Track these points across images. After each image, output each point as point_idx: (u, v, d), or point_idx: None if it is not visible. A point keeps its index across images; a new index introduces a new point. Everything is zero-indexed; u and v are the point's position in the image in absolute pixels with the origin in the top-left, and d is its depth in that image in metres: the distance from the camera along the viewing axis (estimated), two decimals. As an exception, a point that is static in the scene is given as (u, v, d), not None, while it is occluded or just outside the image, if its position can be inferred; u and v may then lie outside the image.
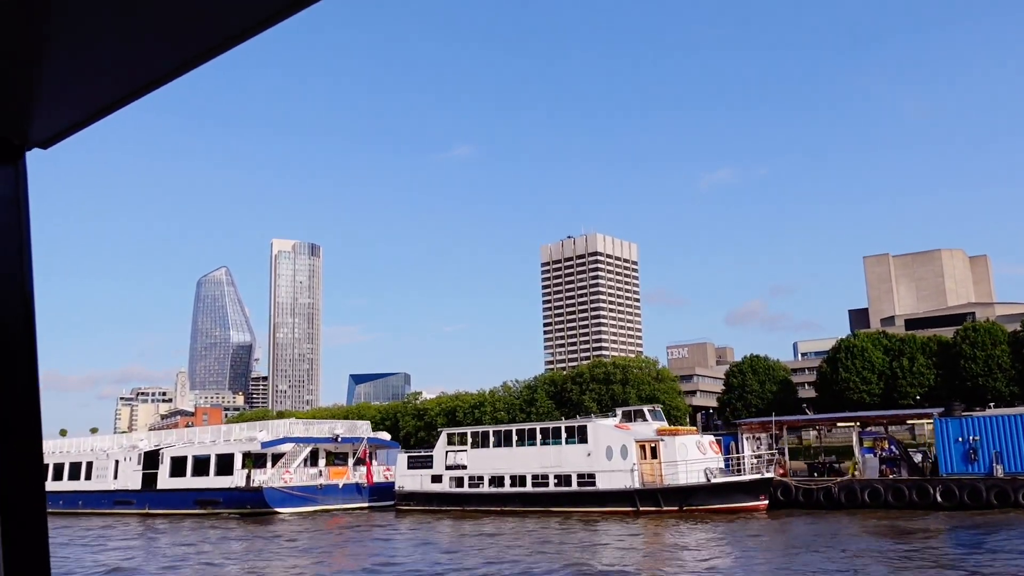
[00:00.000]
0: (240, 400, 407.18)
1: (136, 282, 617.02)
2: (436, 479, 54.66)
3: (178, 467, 60.73)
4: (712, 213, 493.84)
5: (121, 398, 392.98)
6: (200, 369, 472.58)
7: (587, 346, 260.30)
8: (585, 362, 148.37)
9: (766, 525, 39.02)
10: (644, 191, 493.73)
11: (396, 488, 56.58)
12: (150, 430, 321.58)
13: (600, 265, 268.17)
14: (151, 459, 62.88)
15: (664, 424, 51.47)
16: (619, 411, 53.50)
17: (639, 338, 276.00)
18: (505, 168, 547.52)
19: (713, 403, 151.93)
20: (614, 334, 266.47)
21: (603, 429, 49.52)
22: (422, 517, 49.85)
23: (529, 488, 50.62)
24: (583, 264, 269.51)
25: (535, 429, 52.77)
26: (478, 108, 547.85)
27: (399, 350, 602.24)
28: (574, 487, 48.98)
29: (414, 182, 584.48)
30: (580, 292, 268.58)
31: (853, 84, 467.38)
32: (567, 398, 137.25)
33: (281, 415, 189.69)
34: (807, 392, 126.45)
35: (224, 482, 57.56)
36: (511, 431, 53.39)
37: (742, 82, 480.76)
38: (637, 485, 46.82)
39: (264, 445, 57.82)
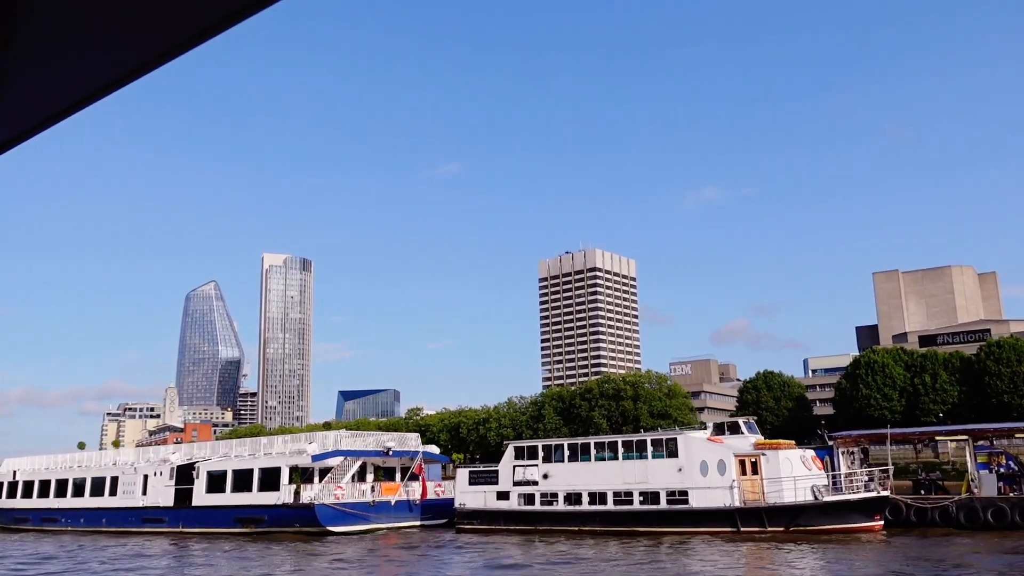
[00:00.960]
0: (229, 416, 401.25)
1: (120, 297, 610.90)
2: (502, 496, 51.24)
3: (216, 482, 56.65)
4: (697, 231, 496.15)
5: (108, 413, 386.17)
6: (188, 384, 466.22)
7: (585, 362, 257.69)
8: (594, 378, 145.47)
9: (886, 548, 35.87)
10: (630, 208, 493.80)
11: (456, 505, 53.04)
12: (137, 446, 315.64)
13: (599, 281, 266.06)
14: (184, 474, 58.70)
15: (759, 437, 48.35)
16: (710, 423, 50.63)
17: (637, 355, 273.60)
18: (495, 184, 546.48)
19: (721, 419, 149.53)
20: (613, 351, 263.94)
21: (696, 442, 46.41)
22: (487, 537, 46.36)
23: (611, 506, 47.26)
24: (581, 280, 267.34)
25: (616, 442, 49.48)
26: (467, 126, 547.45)
27: (386, 367, 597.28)
28: (663, 505, 45.69)
29: (405, 199, 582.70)
30: (579, 308, 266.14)
31: (863, 110, 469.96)
32: (576, 414, 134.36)
33: (284, 430, 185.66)
34: (822, 409, 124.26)
35: (269, 498, 53.38)
36: (589, 444, 50.08)
37: (730, 95, 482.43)
38: (737, 503, 43.52)
39: (315, 458, 53.64)
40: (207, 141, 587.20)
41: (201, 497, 57.08)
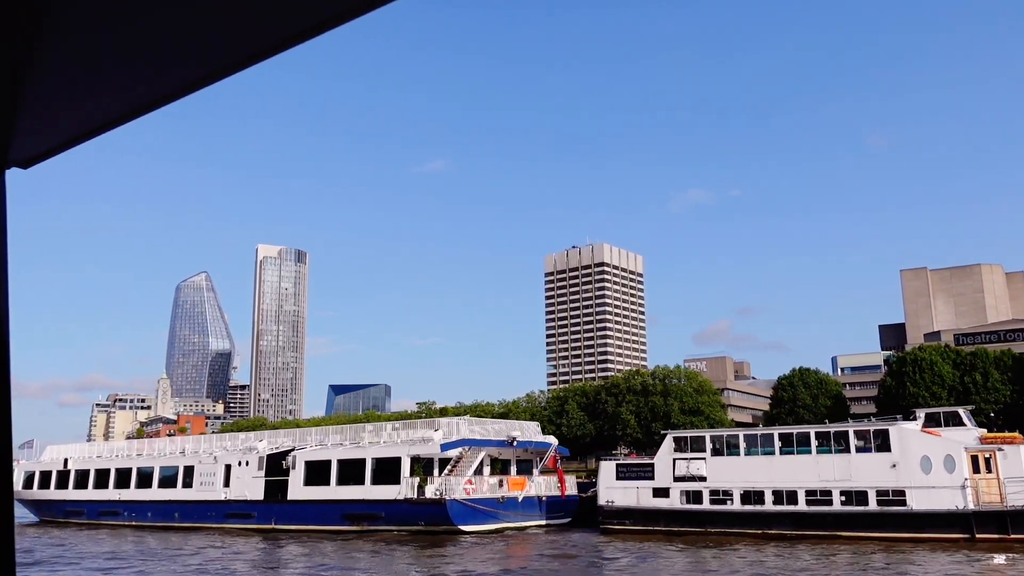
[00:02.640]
0: (220, 408, 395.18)
1: (103, 289, 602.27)
2: (660, 493, 45.74)
3: (317, 473, 50.47)
4: (684, 232, 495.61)
5: (97, 404, 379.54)
6: (177, 376, 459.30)
7: (592, 358, 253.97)
8: (619, 372, 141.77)
9: None
10: (629, 207, 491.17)
11: (602, 503, 47.26)
12: (127, 438, 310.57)
13: (606, 276, 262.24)
14: (275, 464, 52.53)
15: (981, 430, 43.33)
16: (920, 412, 45.91)
17: (644, 351, 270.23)
18: (490, 181, 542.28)
19: (746, 417, 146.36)
20: (619, 347, 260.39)
21: (913, 435, 41.31)
22: (647, 541, 41.00)
23: (803, 507, 41.79)
24: (588, 275, 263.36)
25: (809, 434, 43.68)
26: (459, 119, 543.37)
27: (376, 362, 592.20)
28: (872, 507, 40.37)
29: (402, 192, 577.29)
30: (586, 303, 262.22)
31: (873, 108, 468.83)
32: (601, 410, 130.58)
33: (295, 424, 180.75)
34: (860, 407, 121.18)
35: (387, 492, 47.42)
36: (772, 435, 44.43)
37: (720, 99, 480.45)
38: (971, 506, 38.40)
39: (444, 447, 47.95)
40: (201, 138, 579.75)
41: (299, 490, 50.91)
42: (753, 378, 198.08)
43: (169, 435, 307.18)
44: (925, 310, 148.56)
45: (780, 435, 44.31)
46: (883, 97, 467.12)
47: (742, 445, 44.73)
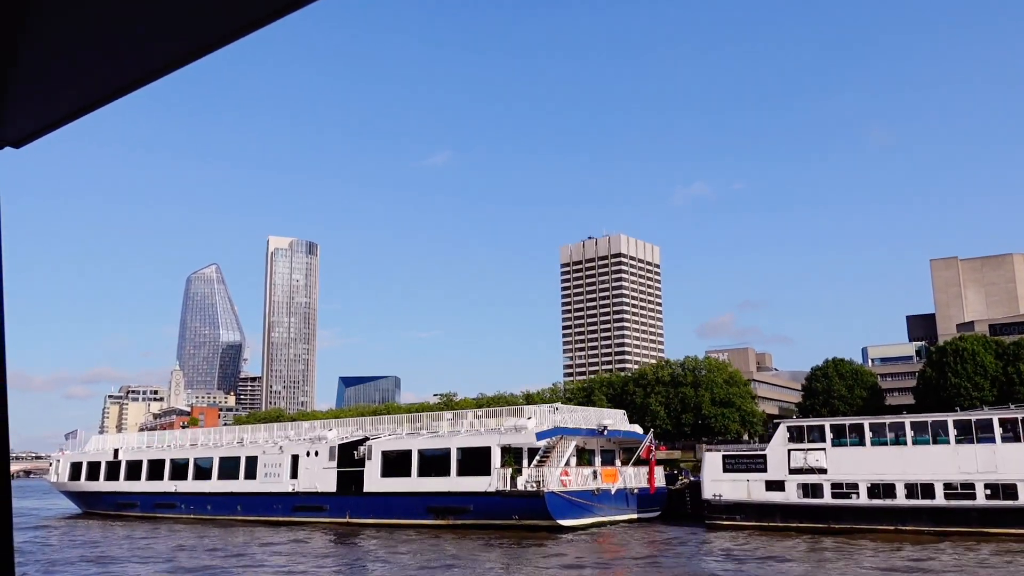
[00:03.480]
0: (232, 400, 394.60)
1: (111, 282, 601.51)
2: (774, 486, 42.91)
3: (396, 464, 47.62)
4: (687, 225, 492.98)
5: (109, 396, 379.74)
6: (188, 368, 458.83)
7: (609, 351, 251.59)
8: (648, 363, 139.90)
9: None
10: (623, 201, 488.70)
11: (709, 497, 44.64)
12: (140, 430, 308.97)
13: (623, 267, 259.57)
14: (346, 454, 49.75)
15: None
16: None
17: (660, 343, 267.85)
18: (495, 171, 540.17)
19: (773, 409, 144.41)
20: (636, 339, 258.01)
21: None
22: (767, 538, 38.47)
23: (941, 501, 38.64)
24: (605, 266, 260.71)
25: (946, 422, 40.54)
26: (462, 113, 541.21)
27: (380, 353, 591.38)
28: (1022, 501, 37.17)
29: (413, 184, 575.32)
30: (603, 295, 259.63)
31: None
32: (629, 400, 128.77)
33: (314, 415, 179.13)
34: (896, 399, 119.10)
35: (475, 484, 44.69)
36: (902, 423, 41.08)
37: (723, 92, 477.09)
38: None
39: (540, 436, 45.20)
40: (207, 132, 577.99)
41: (376, 482, 48.07)
42: (776, 369, 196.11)
43: (183, 427, 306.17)
44: (956, 300, 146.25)
45: (912, 423, 41.18)
46: (888, 91, 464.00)
47: (867, 434, 41.62)
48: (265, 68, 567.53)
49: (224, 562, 31.64)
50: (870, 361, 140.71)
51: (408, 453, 47.88)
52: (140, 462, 59.36)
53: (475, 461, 45.56)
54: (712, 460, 45.66)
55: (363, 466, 48.93)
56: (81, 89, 1.68)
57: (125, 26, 1.46)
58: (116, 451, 61.49)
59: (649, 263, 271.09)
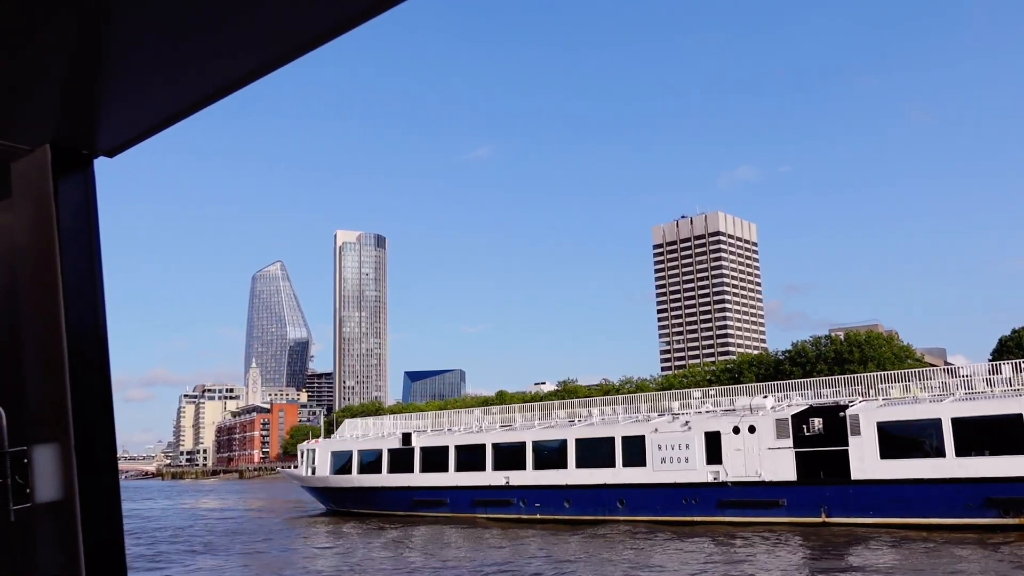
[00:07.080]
0: (304, 397, 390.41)
1: (175, 284, 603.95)
2: None
3: (903, 441, 34.49)
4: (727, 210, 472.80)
5: (185, 396, 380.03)
6: (256, 366, 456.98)
7: (710, 335, 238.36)
8: (808, 339, 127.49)
9: None
10: (661, 188, 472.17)
11: None
12: (218, 429, 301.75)
13: (722, 247, 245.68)
14: (800, 427, 36.93)
15: None
16: None
17: (762, 327, 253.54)
18: (539, 163, 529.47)
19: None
20: (739, 322, 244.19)
21: None
22: None
23: None
24: (703, 246, 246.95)
25: None
26: (505, 105, 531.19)
27: (443, 347, 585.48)
28: None
29: (460, 177, 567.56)
30: (700, 277, 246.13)
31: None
32: (785, 380, 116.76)
33: (414, 408, 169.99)
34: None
35: None
36: None
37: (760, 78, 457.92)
38: None
39: None
40: (256, 135, 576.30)
41: (871, 466, 35.01)
42: (907, 343, 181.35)
43: (264, 424, 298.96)
44: None
45: None
46: (928, 70, 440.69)
47: None
48: (321, 72, 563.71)
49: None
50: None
51: (929, 425, 33.56)
52: (444, 448, 46.56)
53: None
54: None
55: (839, 444, 35.71)
56: (170, 100, 1.70)
57: (211, 38, 1.47)
58: (407, 436, 48.29)
59: (748, 241, 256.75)
